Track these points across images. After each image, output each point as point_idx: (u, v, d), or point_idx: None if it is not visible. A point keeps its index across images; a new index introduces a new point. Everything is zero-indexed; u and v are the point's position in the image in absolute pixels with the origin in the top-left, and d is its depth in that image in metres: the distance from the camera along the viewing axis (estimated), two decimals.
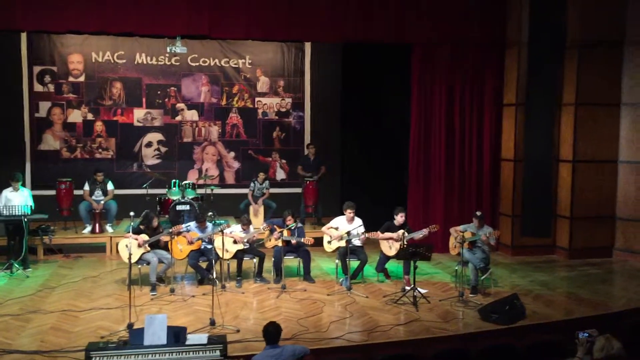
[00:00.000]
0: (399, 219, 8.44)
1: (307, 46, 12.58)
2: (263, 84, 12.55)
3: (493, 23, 10.41)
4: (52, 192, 10.51)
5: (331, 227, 8.69)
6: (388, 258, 8.59)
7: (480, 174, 10.79)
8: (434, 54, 10.47)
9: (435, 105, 10.59)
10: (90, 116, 11.91)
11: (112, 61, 11.93)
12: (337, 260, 8.62)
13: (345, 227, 8.55)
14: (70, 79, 11.80)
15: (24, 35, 11.42)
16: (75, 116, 11.86)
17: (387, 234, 8.48)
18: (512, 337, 6.63)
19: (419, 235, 8.32)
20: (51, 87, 11.74)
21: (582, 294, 8.29)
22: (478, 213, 8.36)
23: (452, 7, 10.18)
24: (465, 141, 10.71)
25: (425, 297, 7.80)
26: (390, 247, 8.47)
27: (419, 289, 7.84)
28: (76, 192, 10.52)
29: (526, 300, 7.65)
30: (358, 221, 8.62)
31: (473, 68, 10.59)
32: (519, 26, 10.28)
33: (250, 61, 12.44)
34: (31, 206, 9.09)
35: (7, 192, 9.25)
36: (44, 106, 11.73)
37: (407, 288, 7.99)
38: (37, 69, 11.66)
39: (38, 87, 11.69)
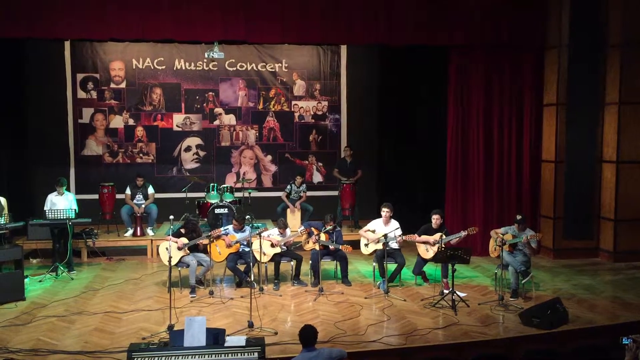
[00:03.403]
0: (436, 222, 8.37)
1: (343, 49, 12.61)
2: (299, 87, 12.62)
3: (531, 25, 10.25)
4: (95, 196, 10.78)
5: (368, 230, 8.66)
6: (425, 261, 8.52)
7: (520, 176, 10.61)
8: (470, 55, 10.36)
9: (472, 106, 10.47)
10: (131, 122, 12.19)
11: (152, 67, 12.18)
12: (374, 263, 8.60)
13: (382, 229, 8.52)
14: (112, 85, 12.10)
15: (67, 44, 11.76)
16: (117, 122, 12.16)
17: (424, 237, 8.41)
18: (555, 342, 6.52)
19: (455, 238, 8.22)
20: (94, 94, 12.06)
21: (628, 298, 8.06)
22: (519, 216, 8.21)
23: (489, 10, 10.04)
24: (504, 142, 10.55)
25: (464, 301, 7.70)
26: (427, 250, 8.40)
27: (457, 292, 7.75)
28: (118, 196, 10.76)
29: (569, 304, 7.49)
30: (395, 224, 8.57)
31: (511, 69, 10.44)
32: (558, 28, 10.14)
33: (286, 65, 12.52)
34: (75, 210, 9.32)
35: (53, 197, 9.51)
36: (87, 112, 12.05)
37: (446, 291, 7.89)
38: (80, 77, 11.99)
39: (81, 94, 12.02)
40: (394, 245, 8.44)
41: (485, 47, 10.28)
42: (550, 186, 10.42)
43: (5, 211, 8.97)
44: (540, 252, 10.33)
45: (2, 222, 8.67)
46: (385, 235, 8.27)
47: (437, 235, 8.28)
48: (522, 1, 10.19)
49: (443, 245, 8.01)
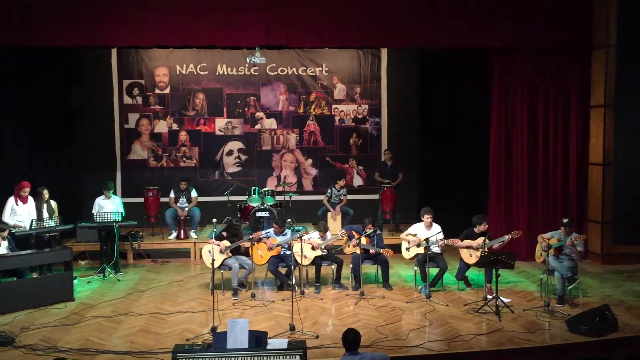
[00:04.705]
0: (480, 227, 8.24)
1: (384, 52, 12.57)
2: (340, 91, 12.64)
3: (577, 26, 10.03)
4: (141, 200, 11.02)
5: (409, 234, 8.60)
6: (468, 266, 8.40)
7: (566, 179, 10.36)
8: (514, 58, 10.20)
9: (517, 109, 10.30)
10: (175, 126, 12.42)
11: (195, 73, 12.40)
12: (415, 268, 8.52)
13: (423, 233, 8.45)
14: (157, 91, 12.36)
15: (114, 51, 12.10)
16: (161, 127, 12.41)
17: (467, 242, 8.29)
18: (603, 350, 6.35)
19: (498, 242, 8.08)
20: (139, 100, 12.35)
21: None
22: (565, 220, 8.02)
23: (533, 10, 9.86)
24: (549, 145, 10.32)
25: (509, 307, 7.56)
26: (470, 255, 8.28)
27: (501, 297, 7.62)
28: (162, 199, 10.98)
29: (618, 312, 7.27)
30: (437, 228, 8.49)
31: (555, 70, 10.23)
32: (606, 28, 9.88)
33: (326, 69, 12.56)
34: (122, 213, 9.56)
35: (100, 200, 9.77)
36: (133, 118, 12.35)
37: (489, 297, 7.77)
38: (126, 83, 12.30)
39: (127, 100, 12.33)
40: (435, 249, 8.36)
41: (529, 48, 10.09)
42: (598, 190, 10.14)
43: (56, 214, 9.28)
44: (587, 257, 10.06)
45: (53, 225, 8.98)
46: (426, 239, 8.20)
47: (480, 240, 8.16)
48: (567, 1, 9.98)
49: (486, 250, 7.89)
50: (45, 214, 9.12)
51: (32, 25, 9.09)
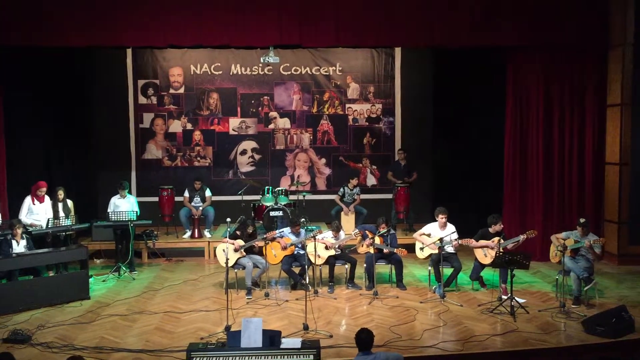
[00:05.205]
0: (495, 227, 8.19)
1: (397, 51, 12.54)
2: (353, 90, 12.62)
3: (593, 24, 9.92)
4: (155, 199, 11.09)
5: (423, 234, 8.57)
6: (483, 266, 8.35)
7: (582, 178, 10.25)
8: (529, 56, 10.11)
9: (532, 107, 10.21)
10: (189, 126, 12.49)
11: (209, 73, 12.45)
12: (429, 267, 8.49)
13: (437, 233, 8.41)
14: (171, 91, 12.44)
15: (129, 52, 12.19)
16: (176, 126, 12.48)
17: (482, 242, 8.25)
18: (620, 351, 6.28)
19: (512, 242, 8.02)
20: (154, 100, 12.43)
21: None
22: (582, 220, 7.94)
23: (548, 9, 9.78)
24: (565, 144, 10.22)
25: (524, 307, 7.51)
26: (485, 255, 8.23)
27: (516, 298, 7.56)
28: (177, 198, 11.03)
29: (635, 313, 7.18)
30: (451, 227, 8.45)
31: (571, 69, 10.12)
32: (623, 27, 9.79)
33: (340, 68, 12.56)
34: (137, 212, 9.63)
35: (115, 199, 9.85)
36: (148, 117, 12.43)
37: (504, 297, 7.72)
38: (141, 83, 12.39)
39: (142, 100, 12.41)
40: (450, 249, 8.32)
41: (545, 47, 10.00)
42: (615, 189, 10.03)
43: (72, 213, 9.38)
44: (603, 257, 9.95)
45: (69, 224, 9.07)
46: (441, 239, 8.16)
47: (495, 240, 8.11)
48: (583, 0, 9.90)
49: (501, 250, 7.84)
50: (62, 213, 9.21)
51: (48, 26, 9.19)
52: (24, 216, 8.94)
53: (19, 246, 8.19)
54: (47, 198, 9.18)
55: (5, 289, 7.66)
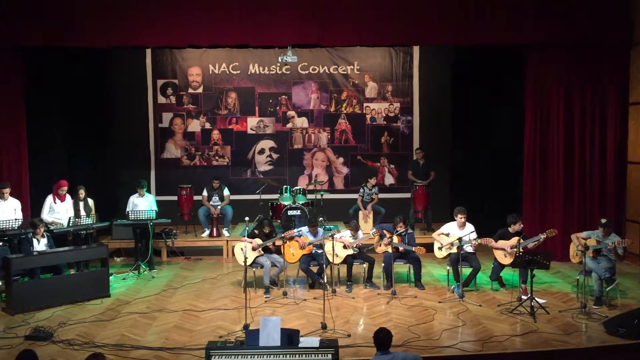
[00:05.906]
0: (515, 226, 8.11)
1: (415, 50, 12.50)
2: (371, 89, 12.60)
3: (614, 21, 9.77)
4: (174, 198, 11.17)
5: (442, 233, 8.52)
6: (503, 266, 8.28)
7: (604, 178, 10.11)
8: (550, 54, 9.97)
9: (552, 106, 10.09)
10: (207, 125, 12.56)
11: (228, 72, 12.51)
12: (448, 267, 8.44)
13: (456, 233, 8.36)
14: (190, 90, 12.52)
15: (148, 52, 12.30)
16: (194, 126, 12.56)
17: (501, 243, 8.18)
18: None
19: (532, 242, 7.94)
20: (173, 99, 12.52)
21: None
22: (603, 220, 7.81)
23: (569, 6, 9.66)
24: (586, 142, 10.09)
25: (544, 308, 7.43)
26: (505, 255, 8.16)
27: (536, 298, 7.49)
28: (195, 197, 11.10)
29: None
30: (470, 227, 8.39)
31: (592, 67, 9.97)
32: None
33: (358, 67, 12.54)
34: (156, 211, 9.70)
35: (134, 198, 9.93)
36: (167, 117, 12.53)
37: (524, 297, 7.65)
38: (160, 82, 12.49)
39: (161, 99, 12.52)
40: (468, 248, 8.27)
41: (565, 45, 9.88)
42: (637, 189, 9.87)
43: (93, 212, 9.49)
44: (625, 258, 9.80)
45: (89, 222, 9.18)
46: (459, 239, 8.11)
47: (514, 240, 8.04)
48: None
49: (521, 250, 7.77)
50: (83, 212, 9.33)
51: (69, 27, 9.29)
52: (46, 215, 9.06)
53: (40, 244, 8.31)
54: (68, 197, 9.30)
55: (27, 287, 7.77)
